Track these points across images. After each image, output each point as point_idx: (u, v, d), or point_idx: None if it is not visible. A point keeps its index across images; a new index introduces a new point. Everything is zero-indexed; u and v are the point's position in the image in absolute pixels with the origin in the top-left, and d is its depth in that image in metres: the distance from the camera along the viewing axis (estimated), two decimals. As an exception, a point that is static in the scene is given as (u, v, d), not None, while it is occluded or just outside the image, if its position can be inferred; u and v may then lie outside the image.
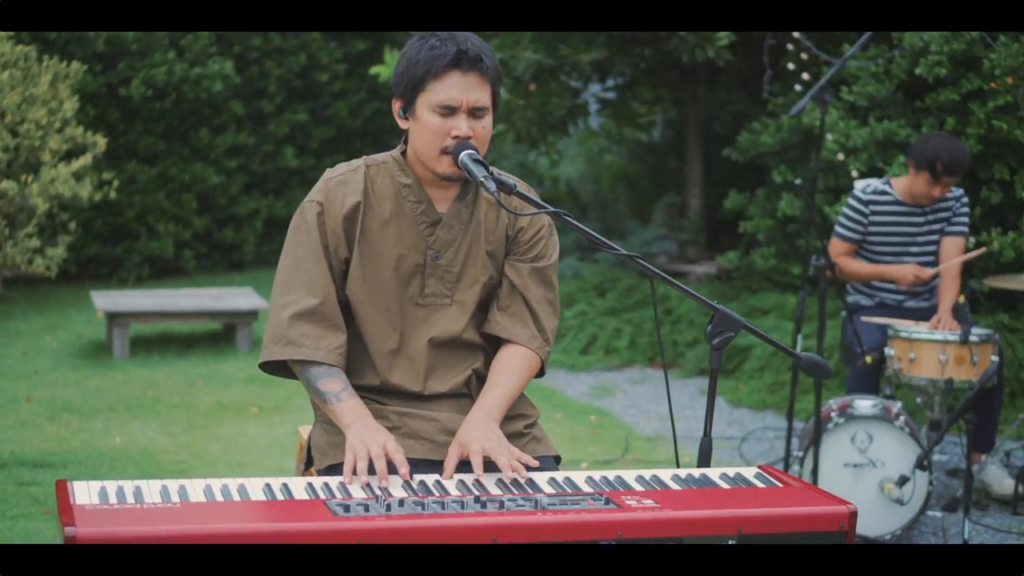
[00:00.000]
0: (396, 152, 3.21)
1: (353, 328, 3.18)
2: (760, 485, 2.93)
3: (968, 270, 7.29)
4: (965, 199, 6.04)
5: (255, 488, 2.75)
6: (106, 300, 8.54)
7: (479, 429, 2.99)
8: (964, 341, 5.51)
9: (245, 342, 8.48)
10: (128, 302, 8.52)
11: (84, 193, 9.15)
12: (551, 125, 8.75)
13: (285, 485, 2.78)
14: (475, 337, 3.24)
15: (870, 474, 5.34)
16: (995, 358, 5.59)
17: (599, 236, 2.98)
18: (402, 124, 3.15)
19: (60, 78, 9.24)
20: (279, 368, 3.20)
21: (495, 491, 2.82)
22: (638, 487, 2.87)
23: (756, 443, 6.88)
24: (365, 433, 2.94)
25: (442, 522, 2.54)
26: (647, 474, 2.99)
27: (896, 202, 5.98)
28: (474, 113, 3.06)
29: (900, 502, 5.24)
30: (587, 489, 2.83)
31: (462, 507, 2.62)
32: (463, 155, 3.00)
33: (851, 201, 6.05)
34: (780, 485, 2.92)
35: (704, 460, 3.21)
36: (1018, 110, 7.33)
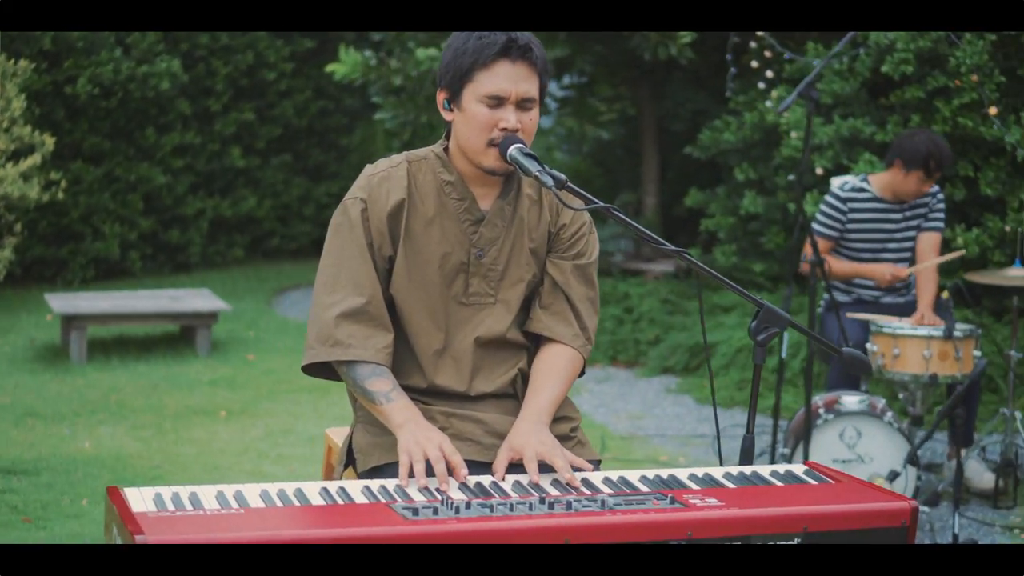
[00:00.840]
0: (437, 147, 3.14)
1: (398, 328, 3.11)
2: (812, 482, 2.90)
3: (946, 267, 7.37)
4: (941, 195, 6.08)
5: (312, 492, 2.67)
6: (61, 302, 8.36)
7: (531, 434, 2.94)
8: (948, 337, 5.55)
9: (205, 344, 8.34)
10: (85, 304, 8.34)
11: (32, 194, 8.95)
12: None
13: (343, 489, 2.71)
14: (519, 336, 3.19)
15: (859, 470, 5.36)
16: (978, 353, 5.64)
17: (648, 232, 2.94)
18: (447, 116, 3.08)
19: (7, 76, 9.04)
20: (321, 369, 3.13)
21: (555, 492, 2.78)
22: (694, 486, 2.83)
23: (729, 441, 6.88)
24: (419, 434, 2.87)
25: (513, 524, 2.49)
26: (699, 472, 2.95)
27: (874, 199, 6.02)
28: (522, 105, 2.99)
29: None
30: (645, 488, 2.79)
31: (530, 509, 2.56)
32: (512, 149, 2.94)
33: (829, 198, 6.07)
34: (832, 482, 2.90)
35: (747, 457, 3.19)
36: (982, 107, 7.42)
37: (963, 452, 5.94)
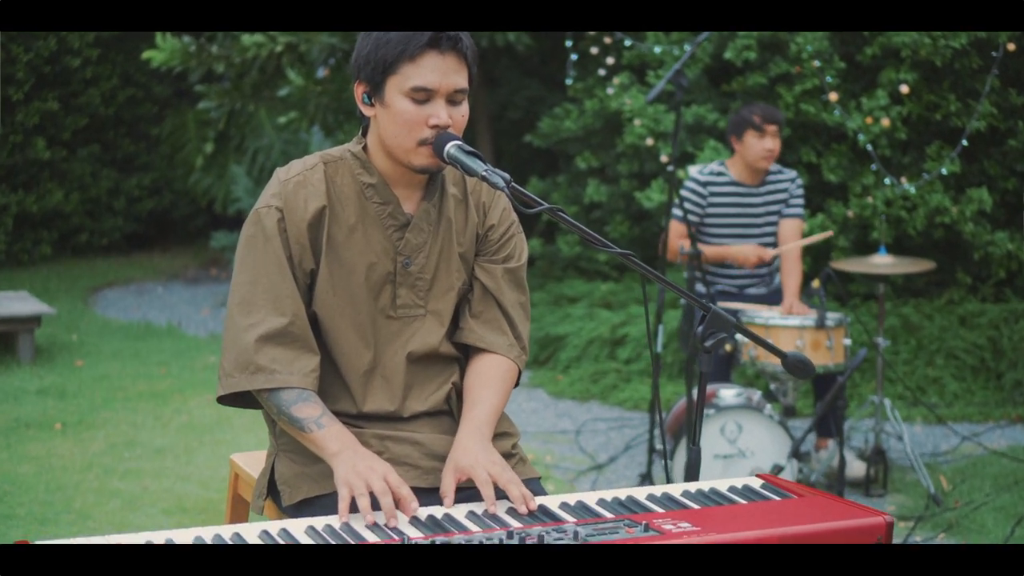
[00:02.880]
0: (354, 146, 2.88)
1: (323, 348, 2.85)
2: (774, 497, 2.76)
3: (812, 255, 7.40)
4: (800, 181, 6.07)
5: (251, 535, 2.40)
6: None
7: (478, 452, 2.71)
8: (821, 326, 5.52)
9: (28, 351, 7.81)
10: None
11: None
12: (348, 112, 8.40)
13: (284, 530, 2.43)
14: (451, 349, 2.96)
15: (740, 464, 5.28)
16: (848, 341, 5.63)
17: (593, 233, 2.73)
18: (366, 111, 2.82)
19: None
20: (237, 398, 2.83)
21: (516, 523, 2.56)
22: (658, 508, 2.66)
23: (592, 435, 6.76)
24: (360, 464, 2.61)
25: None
26: (656, 491, 2.78)
27: (732, 183, 5.97)
28: (452, 98, 2.75)
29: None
30: (608, 514, 2.59)
31: (500, 545, 2.34)
32: (451, 147, 2.70)
33: (689, 183, 5.99)
34: (795, 496, 2.76)
35: (693, 471, 3.04)
36: (823, 93, 7.46)
37: (828, 442, 5.94)
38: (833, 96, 7.37)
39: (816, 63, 7.38)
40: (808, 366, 3.07)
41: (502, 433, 2.96)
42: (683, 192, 5.96)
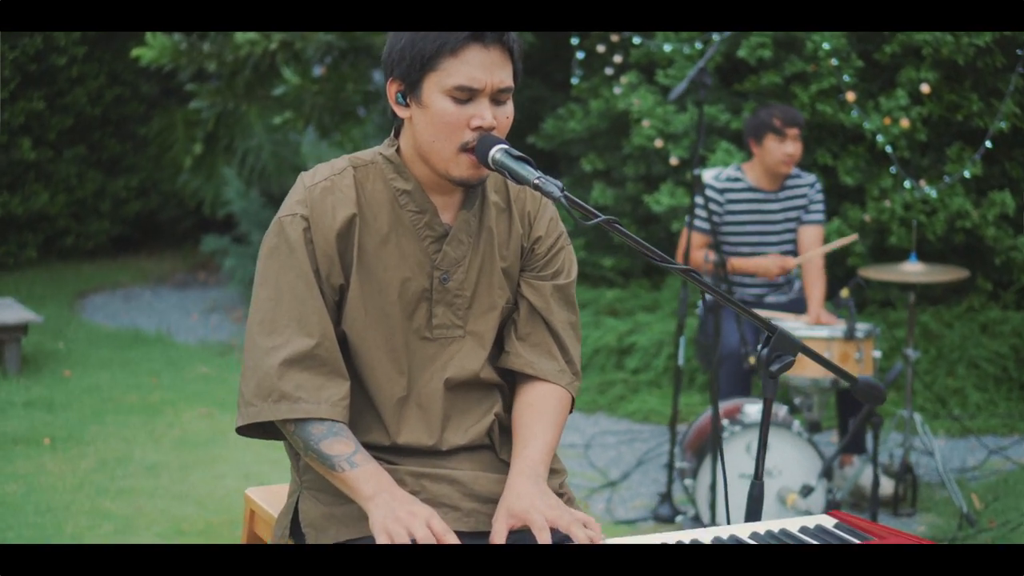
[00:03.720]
0: (386, 148, 2.60)
1: (353, 374, 2.57)
2: (852, 539, 2.48)
3: (837, 262, 7.12)
4: (819, 185, 5.81)
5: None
6: None
7: (534, 496, 2.43)
8: (850, 337, 5.26)
9: (14, 361, 7.49)
10: None
11: None
12: (345, 112, 8.11)
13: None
14: (493, 375, 2.68)
15: (768, 484, 5.01)
16: (878, 353, 5.37)
17: (653, 248, 2.45)
18: (400, 112, 2.54)
19: None
20: (260, 429, 2.55)
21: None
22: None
23: (602, 450, 6.48)
24: (399, 509, 2.33)
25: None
26: (723, 533, 2.50)
27: (750, 188, 5.71)
28: (497, 98, 2.48)
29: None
30: (673, 562, 2.32)
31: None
32: (497, 152, 2.42)
33: (705, 191, 5.70)
34: (874, 538, 2.48)
35: (756, 507, 2.77)
36: (840, 93, 7.19)
37: (854, 459, 5.69)
38: (850, 96, 7.11)
39: (833, 62, 7.11)
40: (879, 392, 2.81)
41: (551, 471, 2.68)
42: (699, 200, 5.66)
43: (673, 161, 7.48)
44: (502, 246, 2.66)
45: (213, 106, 8.76)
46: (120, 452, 6.06)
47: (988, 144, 7.03)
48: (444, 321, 2.60)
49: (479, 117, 2.44)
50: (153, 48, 8.69)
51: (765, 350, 2.61)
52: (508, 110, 2.51)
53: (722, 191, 5.69)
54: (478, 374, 2.62)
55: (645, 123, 7.54)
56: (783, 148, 5.58)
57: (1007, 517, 5.31)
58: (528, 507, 2.41)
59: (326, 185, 2.54)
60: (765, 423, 2.70)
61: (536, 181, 2.34)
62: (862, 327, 5.33)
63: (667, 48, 7.57)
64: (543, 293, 2.68)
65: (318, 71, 8.25)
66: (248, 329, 2.53)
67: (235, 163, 9.99)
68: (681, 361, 5.34)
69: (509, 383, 2.72)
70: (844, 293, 5.36)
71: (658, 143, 7.50)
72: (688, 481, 5.18)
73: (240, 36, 8.16)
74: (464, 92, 2.44)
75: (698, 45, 7.51)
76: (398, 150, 2.59)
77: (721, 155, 7.22)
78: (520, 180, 2.37)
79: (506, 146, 2.43)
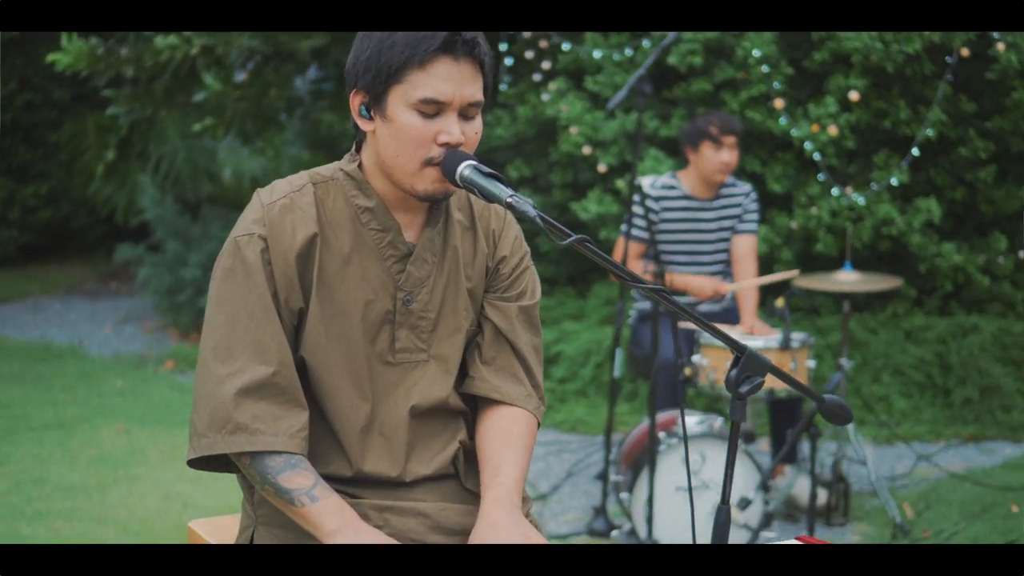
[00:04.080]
0: (347, 164, 2.47)
1: (312, 402, 2.43)
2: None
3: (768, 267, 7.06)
4: (754, 195, 5.74)
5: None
6: None
7: (510, 527, 2.35)
8: (785, 347, 5.20)
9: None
10: None
11: None
12: (267, 119, 7.94)
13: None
14: (459, 402, 2.56)
15: (705, 497, 4.93)
16: (812, 363, 5.31)
17: (621, 267, 2.34)
18: (364, 125, 2.41)
19: None
20: (212, 462, 2.41)
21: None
22: None
23: (536, 463, 6.37)
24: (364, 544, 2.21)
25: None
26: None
27: (685, 196, 5.63)
28: (466, 112, 2.36)
29: (748, 528, 4.86)
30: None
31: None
32: (465, 168, 2.29)
33: (639, 198, 5.61)
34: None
35: (722, 532, 2.66)
36: (769, 100, 7.17)
37: (785, 469, 5.63)
38: (779, 103, 7.08)
39: (763, 69, 7.08)
40: (846, 411, 2.72)
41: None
42: (635, 209, 5.57)
43: (601, 168, 7.41)
44: (467, 266, 2.54)
45: (131, 112, 8.52)
46: (35, 473, 5.83)
47: (915, 152, 7.04)
48: (408, 344, 2.47)
49: (446, 132, 2.32)
50: (69, 53, 8.41)
51: (734, 372, 2.51)
52: (477, 125, 2.39)
53: (657, 199, 5.61)
54: (445, 400, 2.51)
55: (573, 130, 7.45)
56: (719, 156, 5.51)
57: (940, 527, 5.28)
58: (505, 538, 2.32)
59: (285, 203, 2.40)
60: (733, 447, 2.57)
61: (509, 200, 2.22)
62: (797, 336, 5.27)
63: (596, 55, 7.49)
64: (508, 315, 2.57)
65: (240, 76, 8.06)
66: (201, 355, 2.38)
67: (149, 170, 9.75)
68: (617, 372, 5.24)
69: (472, 408, 2.61)
70: (779, 303, 5.29)
71: (586, 150, 7.41)
72: (624, 495, 5.09)
73: (160, 40, 7.93)
74: (431, 106, 2.32)
75: (628, 52, 7.44)
76: (360, 165, 2.46)
77: (650, 163, 7.16)
78: (491, 198, 2.25)
79: (475, 162, 2.31)
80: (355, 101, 2.40)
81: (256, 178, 10.59)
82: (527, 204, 2.22)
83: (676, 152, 7.37)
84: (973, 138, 7.18)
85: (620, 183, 7.39)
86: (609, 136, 7.36)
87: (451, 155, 2.32)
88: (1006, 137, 7.18)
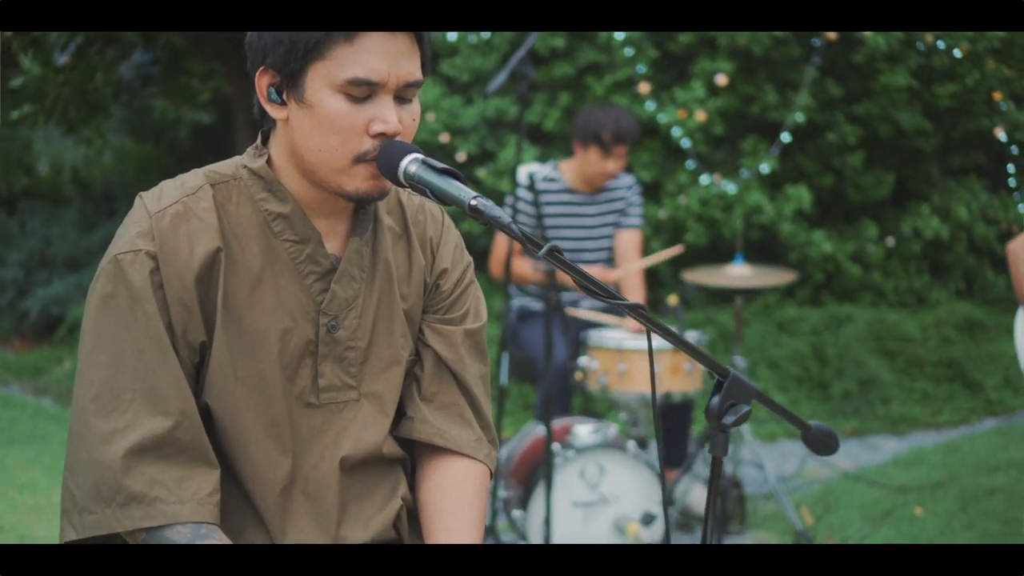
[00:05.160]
0: (253, 159, 1.99)
1: (220, 458, 1.95)
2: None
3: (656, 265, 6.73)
4: (637, 188, 5.40)
5: None
6: None
7: None
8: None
9: None
10: None
11: None
12: (93, 105, 7.28)
13: None
14: (397, 449, 2.11)
15: (603, 512, 4.57)
16: (706, 363, 4.99)
17: (595, 280, 1.93)
18: (274, 112, 1.94)
19: None
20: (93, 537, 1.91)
21: None
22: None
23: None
24: None
25: None
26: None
27: (567, 190, 5.26)
28: (403, 94, 1.91)
29: (652, 543, 4.52)
30: None
31: None
32: (410, 163, 1.85)
33: (520, 191, 5.22)
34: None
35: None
36: (634, 85, 6.86)
37: (677, 474, 5.31)
38: (644, 88, 6.77)
39: (627, 52, 6.76)
40: (834, 440, 2.39)
41: None
42: (512, 201, 5.17)
43: (460, 157, 7.00)
44: (402, 282, 2.09)
45: (-62, 99, 7.75)
46: None
47: (787, 138, 6.81)
48: (334, 381, 2.01)
49: (381, 120, 1.87)
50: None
51: (715, 399, 2.14)
52: (414, 109, 1.94)
53: (538, 192, 5.22)
54: (380, 448, 2.06)
55: (430, 116, 7.02)
56: (604, 165, 5.15)
57: (844, 532, 5.03)
58: None
59: (177, 210, 1.92)
60: (714, 486, 2.21)
61: (474, 203, 1.78)
62: (690, 335, 4.96)
63: (451, 37, 7.07)
64: (452, 341, 2.13)
65: (61, 59, 7.38)
66: (77, 408, 1.88)
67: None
68: (505, 380, 4.84)
69: (410, 452, 2.16)
70: (672, 299, 4.97)
71: (444, 137, 6.99)
72: (516, 512, 4.69)
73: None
74: (362, 87, 1.86)
75: (485, 34, 7.03)
76: (269, 161, 1.99)
77: (512, 151, 6.77)
78: (447, 201, 1.81)
79: (421, 155, 1.87)
80: (262, 82, 1.93)
81: (77, 168, 9.87)
82: (496, 209, 1.79)
83: (538, 139, 7.00)
84: (841, 123, 6.99)
85: (483, 173, 6.99)
86: (468, 123, 6.96)
87: (389, 147, 1.87)
88: (874, 122, 7.01)
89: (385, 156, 1.87)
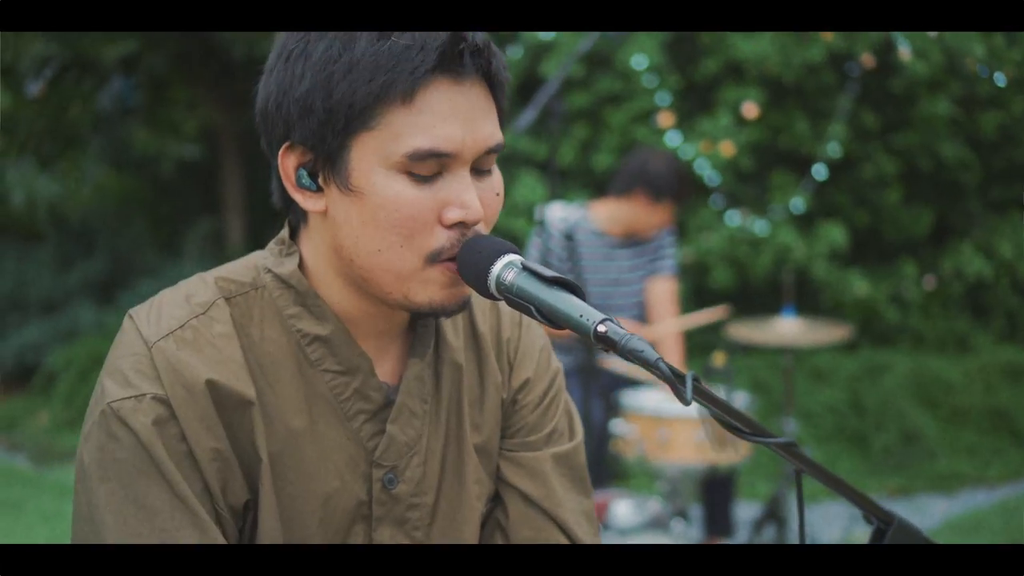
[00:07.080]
0: (278, 262, 1.46)
1: None
2: None
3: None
4: (671, 232, 4.87)
5: None
6: None
7: None
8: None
9: None
10: None
11: None
12: (70, 138, 6.75)
13: None
14: None
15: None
16: (756, 431, 4.47)
17: (740, 414, 1.38)
18: (307, 202, 1.40)
19: None
20: None
21: None
22: None
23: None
24: None
25: None
26: None
27: (596, 234, 4.72)
28: (481, 164, 1.39)
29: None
30: None
31: None
32: (504, 267, 1.33)
33: (554, 234, 4.67)
34: None
35: None
36: (653, 115, 6.36)
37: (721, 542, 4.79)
38: (666, 119, 6.27)
39: (647, 80, 6.25)
40: (919, 538, 1.99)
41: None
42: (541, 243, 4.61)
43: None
44: (473, 408, 1.56)
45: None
46: None
47: (822, 173, 6.32)
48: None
49: (458, 205, 1.35)
50: None
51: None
52: (496, 183, 1.42)
53: (570, 237, 4.68)
54: None
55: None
56: (651, 218, 4.63)
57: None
58: None
59: (185, 337, 1.39)
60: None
61: (602, 328, 1.25)
62: (738, 398, 4.45)
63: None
64: (540, 471, 1.58)
65: (34, 89, 6.86)
66: None
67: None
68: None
69: None
70: (718, 360, 4.44)
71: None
72: None
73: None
74: (429, 162, 1.34)
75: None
76: (300, 264, 1.46)
77: (524, 189, 6.26)
78: (560, 323, 1.29)
79: (520, 257, 1.34)
80: (287, 162, 1.39)
81: (53, 204, 9.32)
82: (636, 340, 1.25)
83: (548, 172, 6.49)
84: (878, 155, 6.49)
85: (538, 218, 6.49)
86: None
87: (473, 244, 1.36)
88: (914, 154, 6.51)
89: (469, 256, 1.35)
